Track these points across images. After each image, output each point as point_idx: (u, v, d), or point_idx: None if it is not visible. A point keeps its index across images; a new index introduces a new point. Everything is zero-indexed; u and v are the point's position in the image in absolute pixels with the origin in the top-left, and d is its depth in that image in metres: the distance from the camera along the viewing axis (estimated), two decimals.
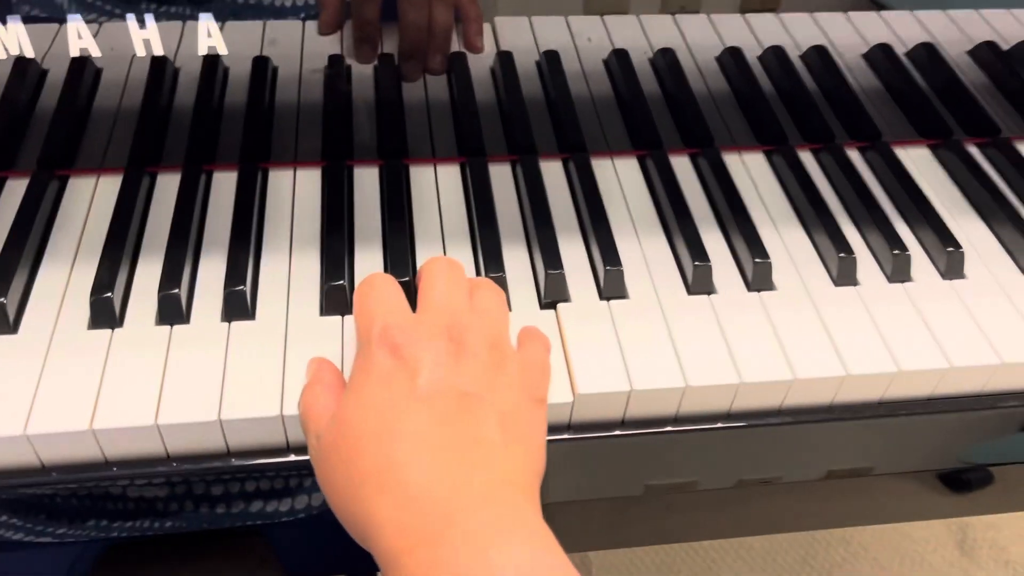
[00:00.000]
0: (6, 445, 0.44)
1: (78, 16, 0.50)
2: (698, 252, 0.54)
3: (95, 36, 0.53)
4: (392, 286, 0.44)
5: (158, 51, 0.52)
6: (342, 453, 0.38)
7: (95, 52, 0.52)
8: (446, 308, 0.43)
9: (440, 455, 0.37)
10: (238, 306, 0.50)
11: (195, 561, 0.53)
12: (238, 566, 0.55)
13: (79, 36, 0.50)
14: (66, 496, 0.48)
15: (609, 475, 0.53)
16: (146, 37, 0.50)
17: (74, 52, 0.50)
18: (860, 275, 0.55)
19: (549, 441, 0.47)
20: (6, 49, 0.50)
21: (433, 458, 0.37)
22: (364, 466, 0.37)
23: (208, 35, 0.52)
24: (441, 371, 0.39)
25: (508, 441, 0.39)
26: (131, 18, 0.50)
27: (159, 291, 0.50)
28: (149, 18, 0.51)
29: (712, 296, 0.53)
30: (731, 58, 0.70)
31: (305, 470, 0.48)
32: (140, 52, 0.50)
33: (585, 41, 0.71)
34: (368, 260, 0.54)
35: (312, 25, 0.69)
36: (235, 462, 0.47)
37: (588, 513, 0.54)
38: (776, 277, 0.55)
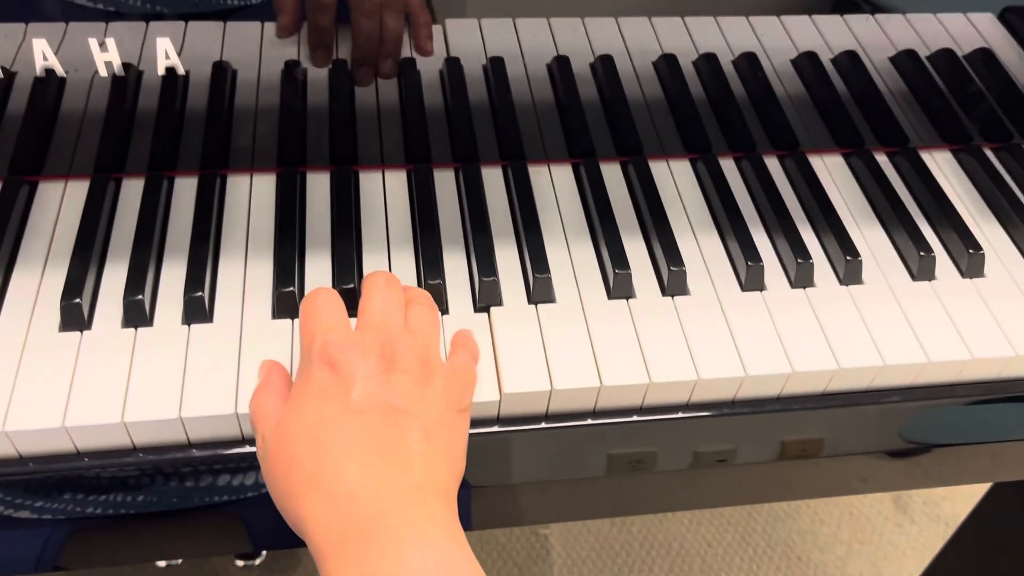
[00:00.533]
0: None
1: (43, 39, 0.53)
2: (619, 259, 0.60)
3: (56, 53, 0.57)
4: (334, 302, 0.49)
5: (119, 70, 0.55)
6: (282, 457, 0.43)
7: (60, 70, 0.55)
8: (381, 326, 0.47)
9: (367, 461, 0.42)
10: (197, 310, 0.55)
11: (168, 536, 0.59)
12: (207, 539, 0.61)
13: (44, 57, 0.53)
14: (41, 482, 0.53)
15: (535, 461, 0.59)
16: (108, 59, 0.54)
17: (39, 71, 0.54)
18: (767, 280, 0.61)
19: (481, 434, 0.53)
20: None
21: (361, 464, 0.42)
22: (300, 470, 0.42)
23: (167, 56, 0.55)
24: (372, 386, 0.44)
25: (430, 449, 0.44)
26: (92, 42, 0.53)
27: (124, 296, 0.54)
28: (110, 41, 0.54)
29: (631, 300, 0.59)
30: (666, 64, 0.74)
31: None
32: (103, 72, 0.54)
33: (530, 44, 0.75)
34: (318, 266, 0.59)
35: (270, 29, 0.73)
36: (196, 453, 0.52)
37: (514, 494, 0.60)
38: (691, 282, 0.60)
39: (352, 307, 0.55)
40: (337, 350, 0.45)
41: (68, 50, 0.57)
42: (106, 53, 0.53)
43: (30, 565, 0.56)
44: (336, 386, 0.44)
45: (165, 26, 0.60)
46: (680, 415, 0.57)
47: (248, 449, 0.53)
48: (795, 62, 0.77)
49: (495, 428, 0.55)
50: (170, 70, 0.59)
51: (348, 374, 0.44)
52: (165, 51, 0.55)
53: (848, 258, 0.61)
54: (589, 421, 0.56)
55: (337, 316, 0.48)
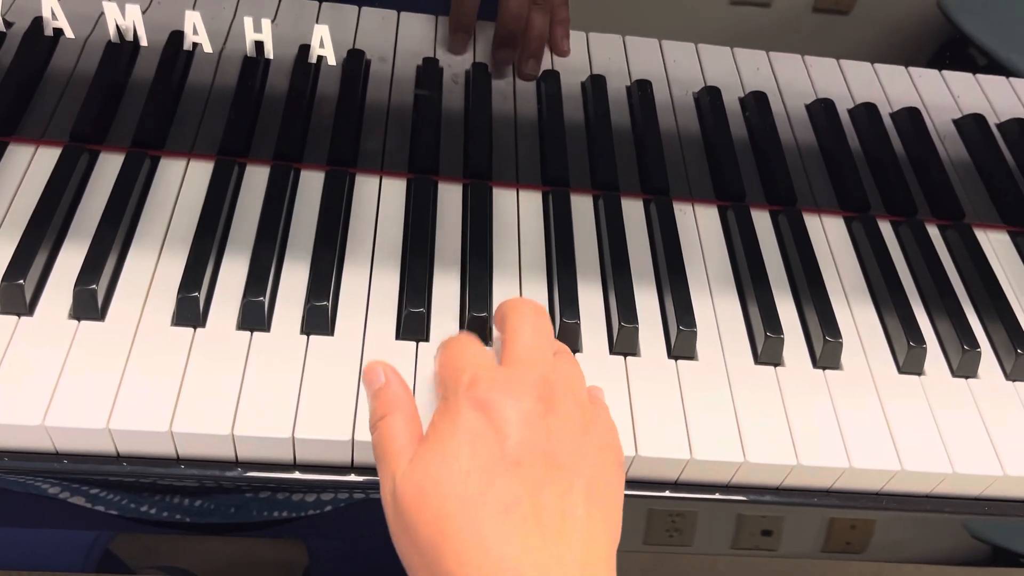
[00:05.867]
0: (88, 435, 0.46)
1: None
2: (772, 322, 0.55)
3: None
4: (477, 341, 0.44)
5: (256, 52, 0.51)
6: (424, 513, 0.38)
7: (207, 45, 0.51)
8: (533, 362, 0.42)
9: (527, 531, 0.37)
10: (319, 321, 0.51)
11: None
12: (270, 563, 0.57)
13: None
14: (133, 484, 0.49)
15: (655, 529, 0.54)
16: (259, 39, 0.50)
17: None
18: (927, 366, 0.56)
19: None
20: None
21: (520, 535, 0.37)
22: (450, 534, 0.37)
23: (320, 44, 0.51)
24: (529, 432, 0.39)
25: (592, 513, 0.39)
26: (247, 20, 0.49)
27: (244, 296, 0.50)
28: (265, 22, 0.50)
29: (779, 368, 0.54)
30: (823, 109, 0.69)
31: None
32: (250, 51, 0.50)
33: (677, 69, 0.71)
34: (447, 287, 0.54)
35: (408, 18, 0.69)
36: (299, 475, 0.49)
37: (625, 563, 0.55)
38: (844, 355, 0.55)
39: (483, 337, 0.51)
40: (488, 388, 0.40)
41: (212, 23, 0.53)
42: (259, 33, 0.49)
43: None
44: (489, 430, 0.39)
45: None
46: (815, 502, 0.53)
47: (356, 478, 0.49)
48: (958, 123, 0.72)
49: None
50: (320, 58, 0.55)
51: (502, 416, 0.39)
52: (320, 39, 0.51)
53: (1019, 351, 0.56)
54: (718, 495, 0.52)
55: (483, 353, 0.43)
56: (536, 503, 0.38)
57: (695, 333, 0.53)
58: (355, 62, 0.64)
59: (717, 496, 0.52)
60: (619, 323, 0.53)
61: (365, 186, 0.59)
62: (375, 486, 0.49)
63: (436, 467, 0.39)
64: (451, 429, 0.39)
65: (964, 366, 0.55)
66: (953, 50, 0.77)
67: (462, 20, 0.67)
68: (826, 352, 0.54)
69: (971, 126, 0.70)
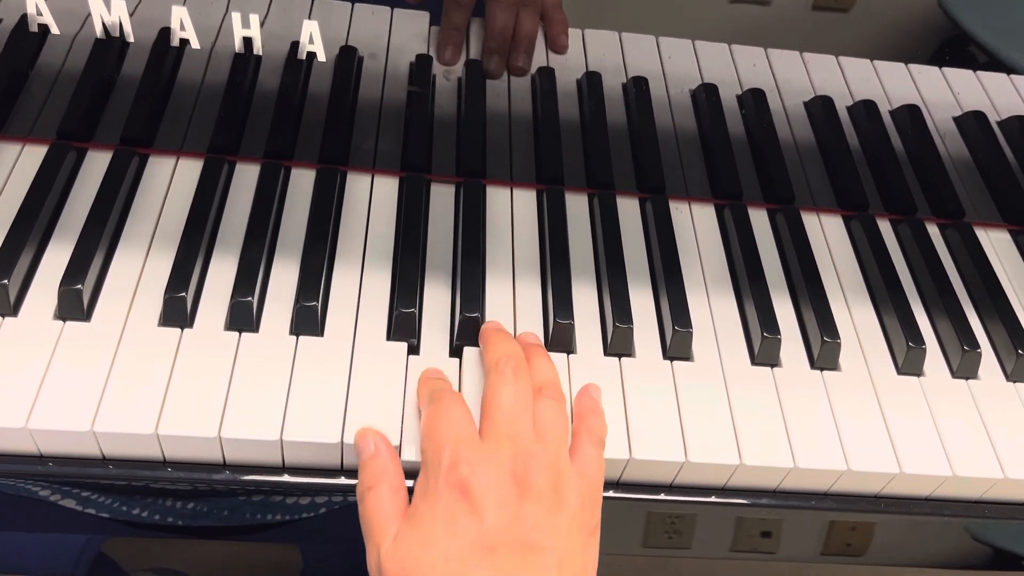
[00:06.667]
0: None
1: None
2: (769, 322, 0.54)
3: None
4: (461, 407, 0.45)
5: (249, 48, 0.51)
6: None
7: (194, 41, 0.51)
8: (511, 434, 0.44)
9: None
10: (308, 321, 0.50)
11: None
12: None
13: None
14: (124, 487, 0.48)
15: (648, 532, 0.53)
16: (247, 35, 0.49)
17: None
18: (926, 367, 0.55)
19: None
20: None
21: None
22: None
23: (310, 41, 0.50)
24: (504, 518, 0.41)
25: None
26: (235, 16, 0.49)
27: (232, 296, 0.50)
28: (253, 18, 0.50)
29: (776, 369, 0.53)
30: (821, 107, 0.68)
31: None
32: (239, 48, 0.49)
33: (673, 67, 0.70)
34: (438, 287, 0.53)
35: (401, 15, 0.68)
36: (288, 478, 0.48)
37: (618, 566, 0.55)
38: (843, 356, 0.54)
39: (472, 339, 0.51)
40: (468, 468, 0.42)
41: (201, 19, 0.52)
42: (247, 29, 0.49)
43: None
44: (466, 515, 0.41)
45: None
46: (813, 504, 0.52)
47: (347, 481, 0.48)
48: (958, 121, 0.71)
49: (610, 493, 0.50)
50: (310, 54, 0.55)
51: (479, 501, 0.41)
52: (310, 35, 0.50)
53: (1020, 351, 0.55)
54: (714, 498, 0.51)
55: (465, 424, 0.44)
56: None
57: (691, 334, 0.52)
58: (347, 58, 0.63)
59: (713, 499, 0.51)
60: (614, 323, 0.52)
61: (357, 184, 0.58)
62: None
63: (417, 550, 0.41)
64: (431, 514, 0.42)
65: (964, 367, 0.55)
66: (953, 48, 0.76)
67: (453, 36, 0.66)
68: (824, 353, 0.53)
69: (971, 124, 0.70)
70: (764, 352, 0.53)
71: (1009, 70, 0.75)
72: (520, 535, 0.41)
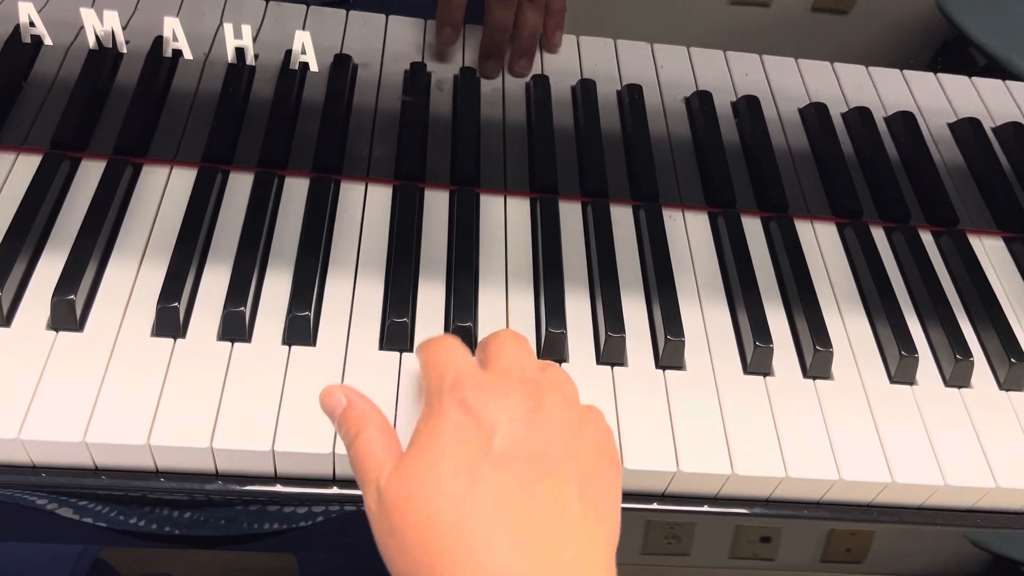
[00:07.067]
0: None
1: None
2: (761, 331, 0.54)
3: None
4: (461, 344, 0.43)
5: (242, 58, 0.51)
6: (411, 515, 0.36)
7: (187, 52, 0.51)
8: (518, 366, 0.41)
9: (520, 528, 0.35)
10: (300, 331, 0.50)
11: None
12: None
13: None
14: (119, 497, 0.49)
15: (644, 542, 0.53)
16: (239, 45, 0.49)
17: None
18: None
19: None
20: None
21: (513, 533, 0.35)
22: (439, 537, 0.35)
23: (302, 51, 0.51)
24: (517, 428, 0.38)
25: (587, 512, 0.37)
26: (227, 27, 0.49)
27: (225, 306, 0.50)
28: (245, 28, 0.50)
29: (768, 378, 0.53)
30: (815, 114, 0.68)
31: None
32: (231, 58, 0.49)
33: (668, 73, 0.70)
34: (432, 295, 0.53)
35: (396, 23, 0.68)
36: (281, 488, 0.48)
37: None
38: (835, 365, 0.54)
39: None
40: (473, 386, 0.39)
41: (194, 29, 0.52)
42: (239, 40, 0.49)
43: None
44: (475, 429, 0.37)
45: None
46: (806, 513, 0.52)
47: (339, 491, 0.48)
48: (952, 127, 0.71)
49: None
50: (302, 64, 0.55)
51: (488, 414, 0.38)
52: (302, 44, 0.50)
53: (1013, 360, 0.55)
54: (706, 508, 0.51)
55: (467, 355, 0.42)
56: (527, 500, 0.36)
57: (683, 342, 0.52)
58: (341, 67, 0.63)
59: (706, 508, 0.51)
60: (606, 332, 0.52)
61: (350, 193, 0.58)
62: (358, 500, 0.48)
63: (422, 469, 0.37)
64: (436, 431, 0.38)
65: (957, 376, 0.55)
66: (953, 50, 0.76)
67: (450, 14, 0.66)
68: (816, 362, 0.53)
69: (966, 130, 0.70)
70: (756, 361, 0.53)
71: (1007, 74, 0.75)
72: (536, 447, 0.37)
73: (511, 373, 0.41)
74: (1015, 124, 0.71)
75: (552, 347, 0.52)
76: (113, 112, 0.58)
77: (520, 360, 0.42)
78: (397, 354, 0.50)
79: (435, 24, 0.66)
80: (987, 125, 0.70)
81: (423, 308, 0.53)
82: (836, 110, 0.69)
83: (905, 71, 0.74)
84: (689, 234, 0.60)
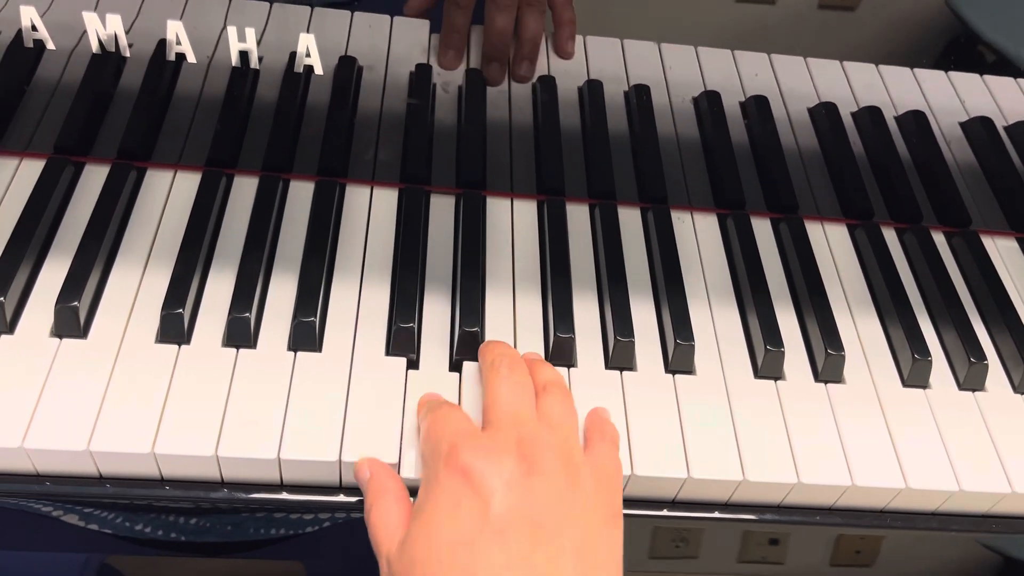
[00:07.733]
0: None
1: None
2: (772, 335, 0.53)
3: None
4: (459, 410, 0.44)
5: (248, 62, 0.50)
6: None
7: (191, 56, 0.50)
8: (513, 420, 0.42)
9: None
10: (306, 337, 0.50)
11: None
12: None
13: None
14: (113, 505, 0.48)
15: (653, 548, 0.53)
16: (244, 48, 0.49)
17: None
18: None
19: None
20: None
21: None
22: None
23: (307, 54, 0.50)
24: (513, 497, 0.39)
25: (585, 572, 0.38)
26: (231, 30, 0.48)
27: (229, 312, 0.49)
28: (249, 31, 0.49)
29: (779, 382, 0.52)
30: (825, 113, 0.67)
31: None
32: (235, 61, 0.49)
33: (676, 74, 0.69)
34: (438, 299, 0.53)
35: (401, 24, 0.68)
36: (286, 496, 0.48)
37: None
38: (847, 369, 0.54)
39: (472, 353, 0.50)
40: (468, 454, 0.40)
41: (198, 32, 0.52)
42: (243, 43, 0.48)
43: None
44: (471, 498, 0.39)
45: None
46: (818, 519, 0.51)
47: (345, 498, 0.48)
48: (964, 126, 0.70)
49: None
50: (307, 67, 0.54)
51: (484, 482, 0.39)
52: (307, 47, 0.50)
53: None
54: (717, 514, 0.50)
55: (464, 420, 0.43)
56: (524, 571, 0.37)
57: (693, 347, 0.52)
58: (346, 69, 0.62)
59: (716, 515, 0.50)
60: (615, 337, 0.51)
61: (355, 197, 0.58)
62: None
63: (420, 543, 0.39)
64: (433, 502, 0.40)
65: (971, 379, 0.54)
66: (961, 47, 0.75)
67: (453, 40, 0.66)
68: (828, 365, 0.53)
69: (978, 129, 0.69)
70: (767, 365, 0.52)
71: (1017, 72, 0.74)
72: (531, 515, 0.38)
73: (506, 430, 0.42)
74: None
75: (560, 352, 0.51)
76: (116, 116, 0.58)
77: (516, 408, 0.43)
78: (403, 360, 0.50)
79: (438, 46, 0.66)
80: (999, 124, 0.70)
81: (429, 312, 0.52)
82: (846, 109, 0.68)
83: (916, 70, 0.73)
84: (698, 236, 0.60)
